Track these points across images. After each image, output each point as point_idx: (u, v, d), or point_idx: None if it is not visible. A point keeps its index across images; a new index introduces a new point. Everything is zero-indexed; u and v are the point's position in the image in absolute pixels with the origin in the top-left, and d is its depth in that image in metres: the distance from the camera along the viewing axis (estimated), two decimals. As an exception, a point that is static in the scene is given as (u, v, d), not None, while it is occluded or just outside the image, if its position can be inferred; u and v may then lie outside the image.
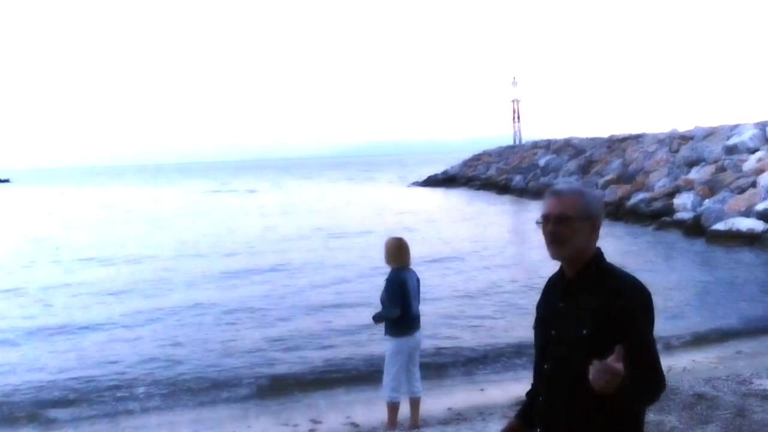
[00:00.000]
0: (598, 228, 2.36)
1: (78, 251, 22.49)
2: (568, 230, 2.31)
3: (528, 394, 2.61)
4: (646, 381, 2.14)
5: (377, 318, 6.36)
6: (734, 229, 18.59)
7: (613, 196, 28.52)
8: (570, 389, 2.26)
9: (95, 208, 46.04)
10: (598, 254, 2.37)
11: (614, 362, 2.00)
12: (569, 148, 42.54)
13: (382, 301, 6.35)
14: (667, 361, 8.67)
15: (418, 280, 6.50)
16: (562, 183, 2.48)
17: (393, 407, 6.53)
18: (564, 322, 2.32)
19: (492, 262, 17.60)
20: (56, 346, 11.02)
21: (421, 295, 6.55)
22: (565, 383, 2.28)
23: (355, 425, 7.09)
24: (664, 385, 2.21)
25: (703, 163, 25.51)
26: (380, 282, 6.53)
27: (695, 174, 24.91)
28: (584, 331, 2.22)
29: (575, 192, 2.36)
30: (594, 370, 2.02)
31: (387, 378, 6.45)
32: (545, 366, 2.38)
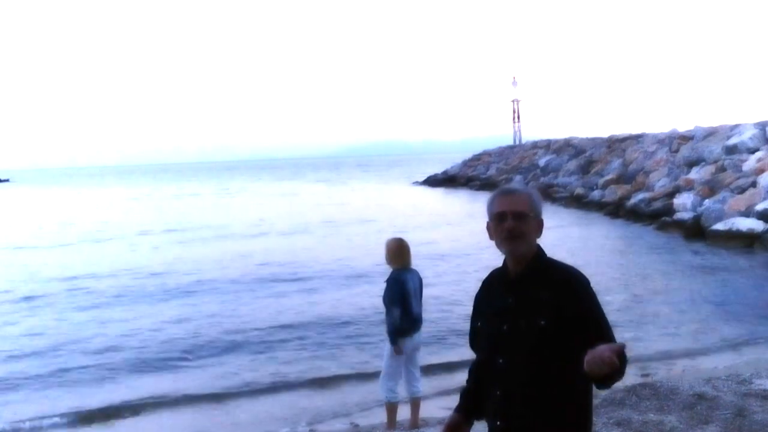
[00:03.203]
0: (543, 225, 2.54)
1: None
2: (524, 226, 2.45)
3: (463, 392, 2.74)
4: (623, 361, 2.28)
5: (391, 333, 6.28)
6: (734, 229, 18.58)
7: (613, 196, 28.54)
8: (528, 379, 2.38)
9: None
10: (540, 250, 2.52)
11: (610, 352, 2.10)
12: (569, 148, 42.56)
13: (384, 301, 6.35)
14: (667, 362, 8.75)
15: (420, 280, 6.48)
16: (511, 184, 2.65)
17: (391, 407, 6.53)
18: (517, 316, 2.41)
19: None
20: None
21: (423, 295, 6.54)
22: (523, 374, 2.39)
23: (355, 425, 7.10)
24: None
25: (703, 163, 25.52)
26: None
27: (695, 174, 24.91)
28: (542, 322, 2.34)
29: (525, 191, 2.54)
30: (593, 360, 2.11)
31: (383, 379, 6.45)
32: (500, 360, 2.46)
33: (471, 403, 2.68)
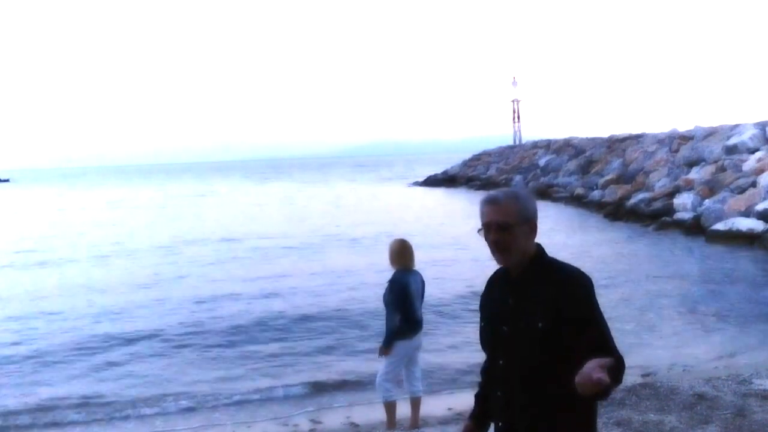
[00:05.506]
0: (536, 227, 2.45)
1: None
2: (510, 237, 2.38)
3: (477, 395, 2.71)
4: (618, 369, 2.18)
5: (388, 336, 6.28)
6: (734, 229, 18.58)
7: (613, 196, 28.54)
8: (526, 380, 2.35)
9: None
10: (540, 250, 2.46)
11: (599, 373, 1.99)
12: (569, 148, 42.57)
13: (385, 301, 6.34)
14: (667, 362, 8.74)
15: (423, 281, 6.47)
16: (497, 190, 2.53)
17: (389, 407, 6.52)
18: (516, 317, 2.39)
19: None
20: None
21: (425, 296, 6.53)
22: (522, 375, 2.36)
23: (354, 425, 7.09)
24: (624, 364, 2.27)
25: (703, 163, 25.51)
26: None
27: (695, 174, 24.91)
28: (540, 324, 2.30)
29: (511, 197, 2.44)
30: (581, 381, 2.01)
31: (380, 378, 6.44)
32: (500, 362, 2.45)
33: (484, 408, 2.64)
